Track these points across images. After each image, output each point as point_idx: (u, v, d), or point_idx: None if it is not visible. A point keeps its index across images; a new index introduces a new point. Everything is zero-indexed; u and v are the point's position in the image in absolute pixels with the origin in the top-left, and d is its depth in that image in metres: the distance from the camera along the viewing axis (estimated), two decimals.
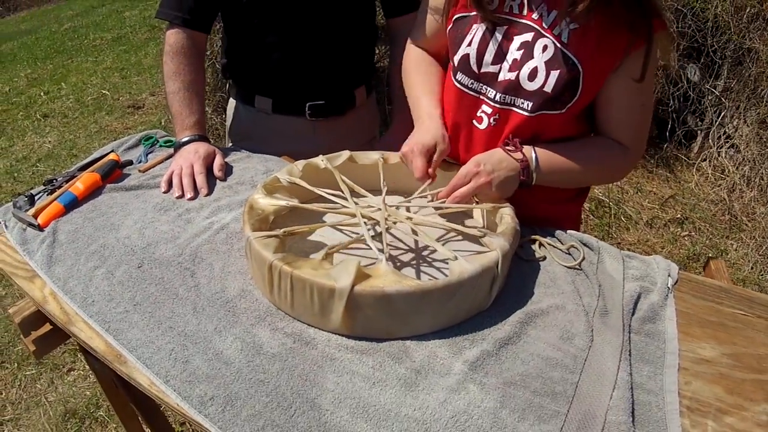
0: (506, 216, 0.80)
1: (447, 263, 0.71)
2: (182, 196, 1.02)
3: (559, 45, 0.83)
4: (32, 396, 1.85)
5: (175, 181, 1.04)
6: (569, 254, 0.89)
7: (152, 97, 4.74)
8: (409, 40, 1.07)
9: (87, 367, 1.89)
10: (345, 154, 0.94)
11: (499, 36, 0.86)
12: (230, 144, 1.44)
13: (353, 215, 0.80)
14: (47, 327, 0.86)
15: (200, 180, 1.04)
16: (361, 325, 0.66)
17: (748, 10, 2.71)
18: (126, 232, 0.91)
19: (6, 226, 0.97)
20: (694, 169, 3.05)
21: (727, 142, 3.01)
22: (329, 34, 1.24)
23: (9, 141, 4.32)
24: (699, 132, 3.15)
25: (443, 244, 0.80)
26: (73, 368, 1.94)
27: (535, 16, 0.85)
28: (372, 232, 0.80)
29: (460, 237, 0.87)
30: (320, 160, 0.92)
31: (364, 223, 0.77)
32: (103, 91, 5.12)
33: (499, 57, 0.86)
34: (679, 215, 2.77)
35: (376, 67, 1.27)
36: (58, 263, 0.85)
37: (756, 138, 2.81)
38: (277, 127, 1.33)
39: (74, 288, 0.78)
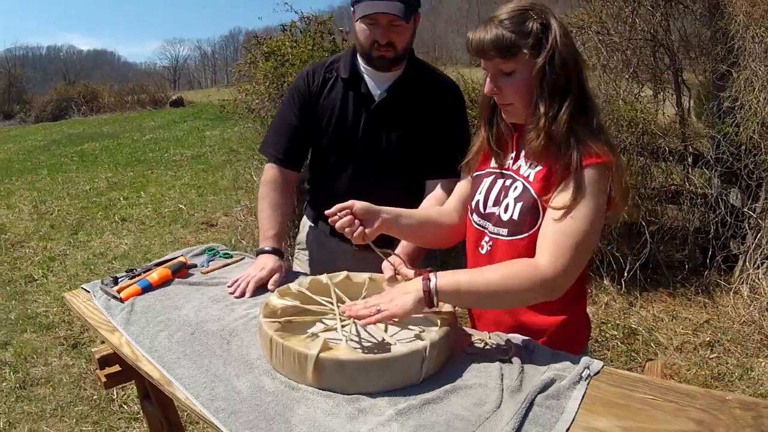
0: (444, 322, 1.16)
1: None
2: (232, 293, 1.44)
3: (525, 184, 1.19)
4: None
5: (241, 284, 1.44)
6: (506, 350, 1.21)
7: (225, 217, 5.34)
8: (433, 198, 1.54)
9: None
10: (343, 273, 1.36)
11: (497, 186, 1.25)
12: (297, 249, 1.89)
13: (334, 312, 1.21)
14: (117, 368, 1.28)
15: (251, 287, 1.43)
16: (325, 381, 1.02)
17: None
18: (186, 312, 1.35)
19: (94, 296, 1.45)
20: (732, 293, 3.21)
21: (765, 262, 3.15)
22: (385, 180, 1.64)
23: (87, 236, 5.01)
24: (740, 256, 3.32)
25: (392, 335, 1.18)
26: None
27: (515, 167, 1.24)
28: (346, 325, 1.18)
29: (412, 333, 1.22)
30: (323, 277, 1.35)
31: (340, 318, 1.17)
32: (180, 206, 5.79)
33: (497, 201, 1.24)
34: (709, 338, 2.91)
35: None
36: (133, 324, 1.29)
37: None
38: (331, 247, 1.74)
39: (143, 341, 1.22)
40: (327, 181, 1.70)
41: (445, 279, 1.11)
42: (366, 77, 1.60)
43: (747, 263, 3.18)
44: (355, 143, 1.62)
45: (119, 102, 17.20)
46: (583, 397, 1.02)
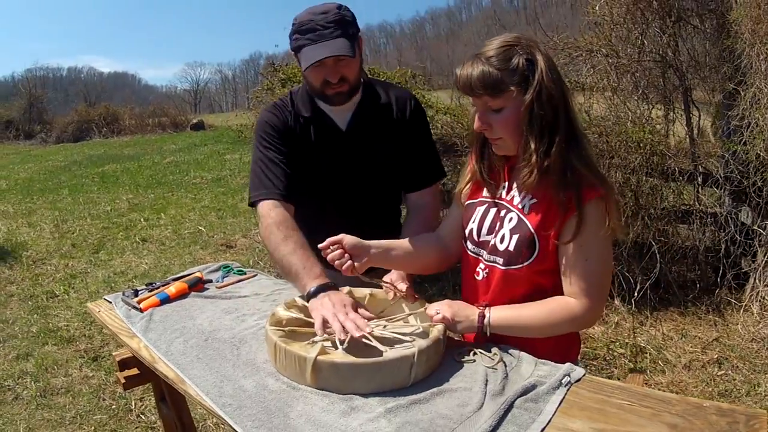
0: (435, 330, 1.29)
1: None
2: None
3: (521, 215, 1.26)
4: None
5: (337, 326, 1.23)
6: (492, 359, 1.32)
7: (244, 239, 5.53)
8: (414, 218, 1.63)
9: None
10: (345, 289, 1.47)
11: (490, 215, 1.32)
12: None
13: None
14: (135, 371, 1.43)
15: (361, 323, 1.24)
16: (322, 382, 1.16)
17: None
18: (200, 321, 1.49)
19: (116, 306, 1.61)
20: (742, 311, 3.26)
21: None
22: (366, 205, 1.71)
23: (108, 255, 5.21)
24: (751, 273, 3.38)
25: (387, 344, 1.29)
26: None
27: (508, 197, 1.31)
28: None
29: (406, 341, 1.34)
30: None
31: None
32: (200, 227, 5.97)
33: (491, 229, 1.31)
34: (717, 356, 2.96)
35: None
36: (151, 331, 1.44)
37: None
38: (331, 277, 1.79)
39: (161, 345, 1.37)
40: (310, 215, 1.68)
41: (497, 315, 1.28)
42: (327, 113, 1.64)
43: (757, 281, 3.24)
44: (333, 175, 1.67)
45: (140, 124, 17.50)
46: (561, 401, 1.12)
